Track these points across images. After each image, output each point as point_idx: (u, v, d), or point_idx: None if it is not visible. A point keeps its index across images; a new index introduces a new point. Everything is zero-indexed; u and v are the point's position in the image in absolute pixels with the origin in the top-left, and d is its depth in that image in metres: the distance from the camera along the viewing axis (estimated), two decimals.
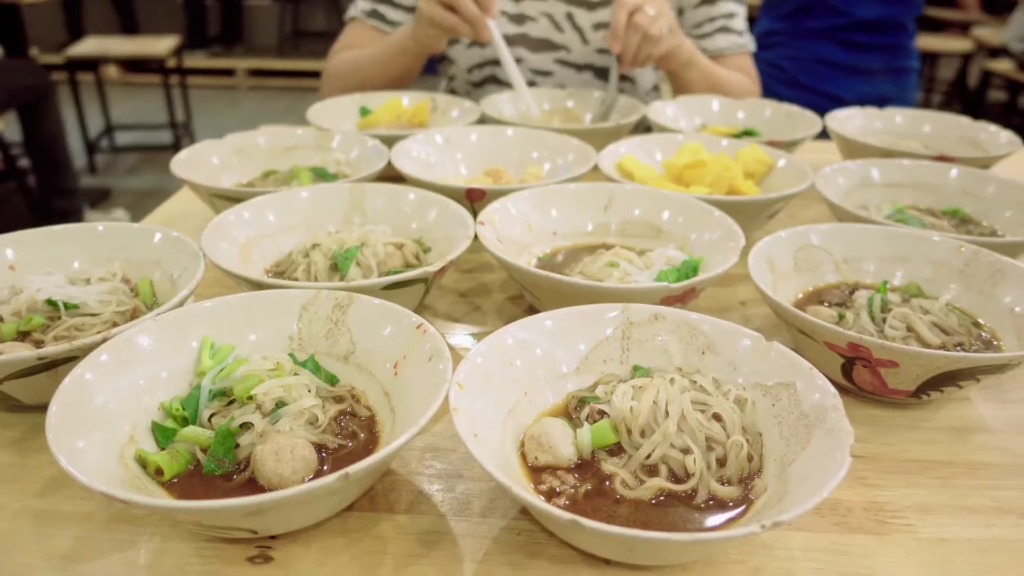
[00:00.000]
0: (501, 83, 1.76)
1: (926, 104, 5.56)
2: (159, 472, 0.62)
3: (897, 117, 1.55)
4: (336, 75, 1.75)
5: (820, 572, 0.60)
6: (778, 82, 2.37)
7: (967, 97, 5.69)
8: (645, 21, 1.43)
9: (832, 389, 0.63)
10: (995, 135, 1.42)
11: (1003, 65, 4.96)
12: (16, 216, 3.57)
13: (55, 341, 0.79)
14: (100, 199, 4.28)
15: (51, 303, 0.82)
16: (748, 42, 1.78)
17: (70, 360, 0.69)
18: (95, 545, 0.61)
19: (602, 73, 1.75)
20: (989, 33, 5.28)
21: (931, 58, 5.57)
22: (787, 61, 2.38)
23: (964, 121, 1.49)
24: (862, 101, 1.58)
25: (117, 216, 3.91)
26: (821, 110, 1.51)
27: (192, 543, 0.62)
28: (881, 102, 1.58)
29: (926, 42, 4.94)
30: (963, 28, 5.78)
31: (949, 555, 0.62)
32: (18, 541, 0.62)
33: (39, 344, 0.79)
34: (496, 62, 1.73)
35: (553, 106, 1.66)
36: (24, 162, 3.67)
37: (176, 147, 4.95)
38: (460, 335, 0.93)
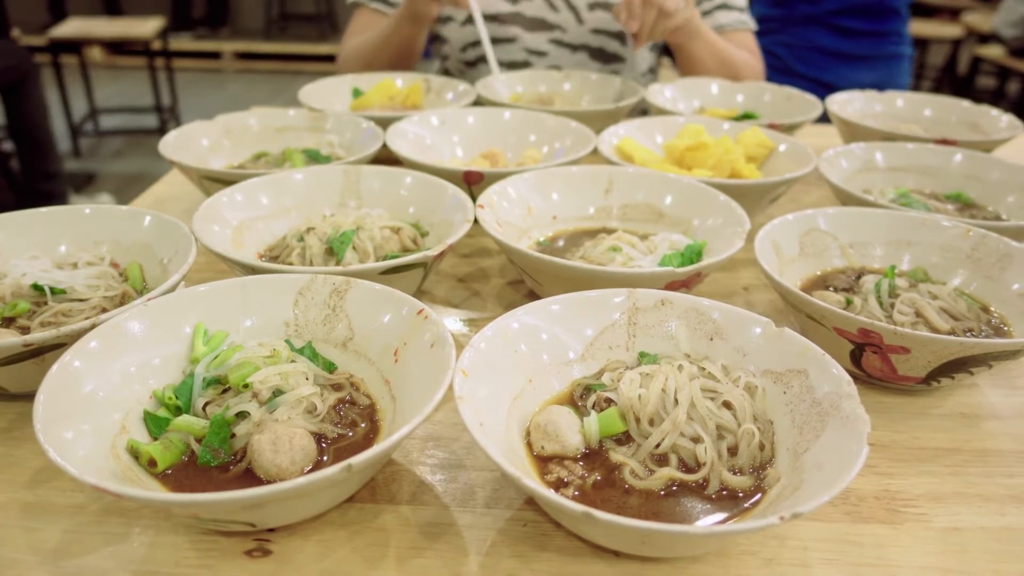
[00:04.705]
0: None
1: (916, 90, 5.56)
2: (152, 463, 0.60)
3: (898, 100, 1.53)
4: (348, 61, 1.75)
5: (833, 563, 0.59)
6: (771, 69, 2.34)
7: (957, 83, 5.69)
8: None
9: (846, 376, 0.62)
10: (996, 119, 1.40)
11: (993, 51, 4.96)
12: None
13: (41, 327, 0.76)
14: (85, 184, 4.22)
15: (37, 288, 0.79)
16: (749, 19, 1.75)
17: (58, 347, 0.67)
18: (86, 539, 0.59)
19: (597, 54, 1.72)
20: (979, 19, 5.28)
21: (921, 44, 5.56)
22: (780, 48, 2.35)
23: (965, 105, 1.48)
24: (855, 88, 1.56)
25: (102, 201, 3.86)
26: (815, 97, 1.49)
27: (187, 536, 0.59)
28: (874, 89, 1.57)
29: (916, 28, 4.92)
30: (953, 14, 5.78)
31: (964, 544, 0.61)
32: (6, 535, 0.59)
33: (25, 330, 0.76)
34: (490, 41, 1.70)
35: (549, 89, 1.63)
36: (7, 145, 3.61)
37: (162, 131, 4.88)
38: (459, 321, 0.91)
